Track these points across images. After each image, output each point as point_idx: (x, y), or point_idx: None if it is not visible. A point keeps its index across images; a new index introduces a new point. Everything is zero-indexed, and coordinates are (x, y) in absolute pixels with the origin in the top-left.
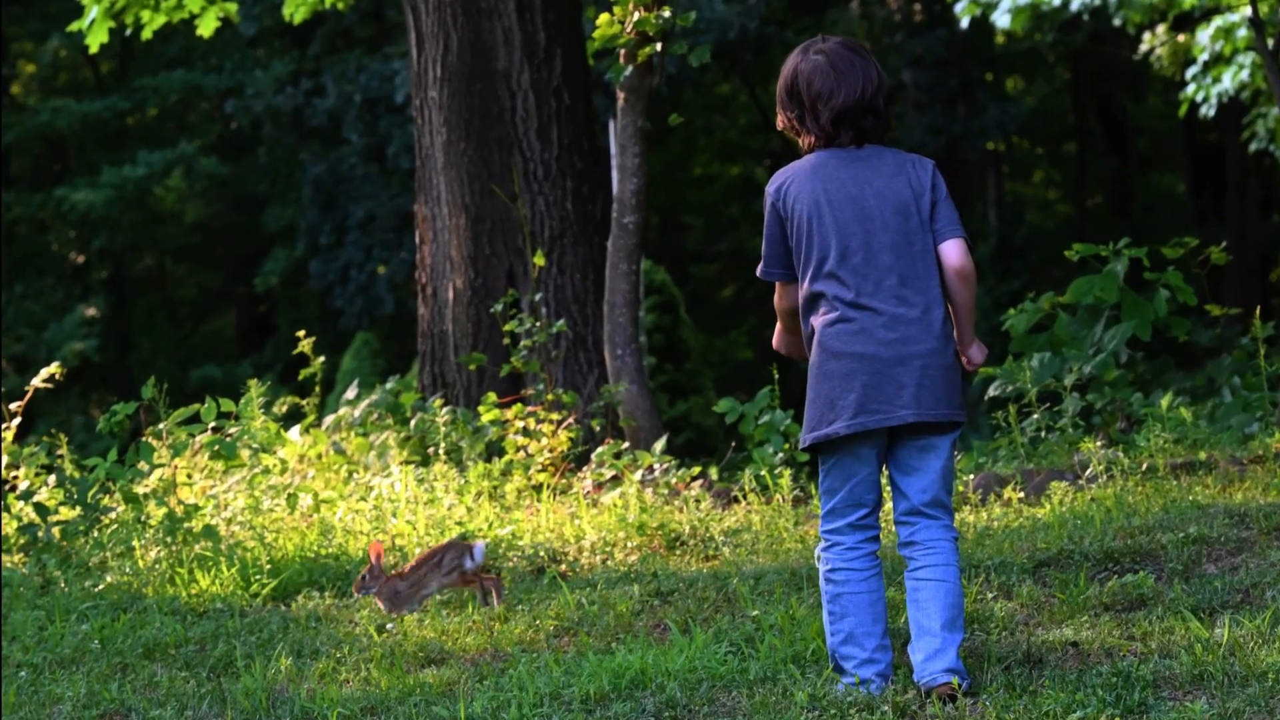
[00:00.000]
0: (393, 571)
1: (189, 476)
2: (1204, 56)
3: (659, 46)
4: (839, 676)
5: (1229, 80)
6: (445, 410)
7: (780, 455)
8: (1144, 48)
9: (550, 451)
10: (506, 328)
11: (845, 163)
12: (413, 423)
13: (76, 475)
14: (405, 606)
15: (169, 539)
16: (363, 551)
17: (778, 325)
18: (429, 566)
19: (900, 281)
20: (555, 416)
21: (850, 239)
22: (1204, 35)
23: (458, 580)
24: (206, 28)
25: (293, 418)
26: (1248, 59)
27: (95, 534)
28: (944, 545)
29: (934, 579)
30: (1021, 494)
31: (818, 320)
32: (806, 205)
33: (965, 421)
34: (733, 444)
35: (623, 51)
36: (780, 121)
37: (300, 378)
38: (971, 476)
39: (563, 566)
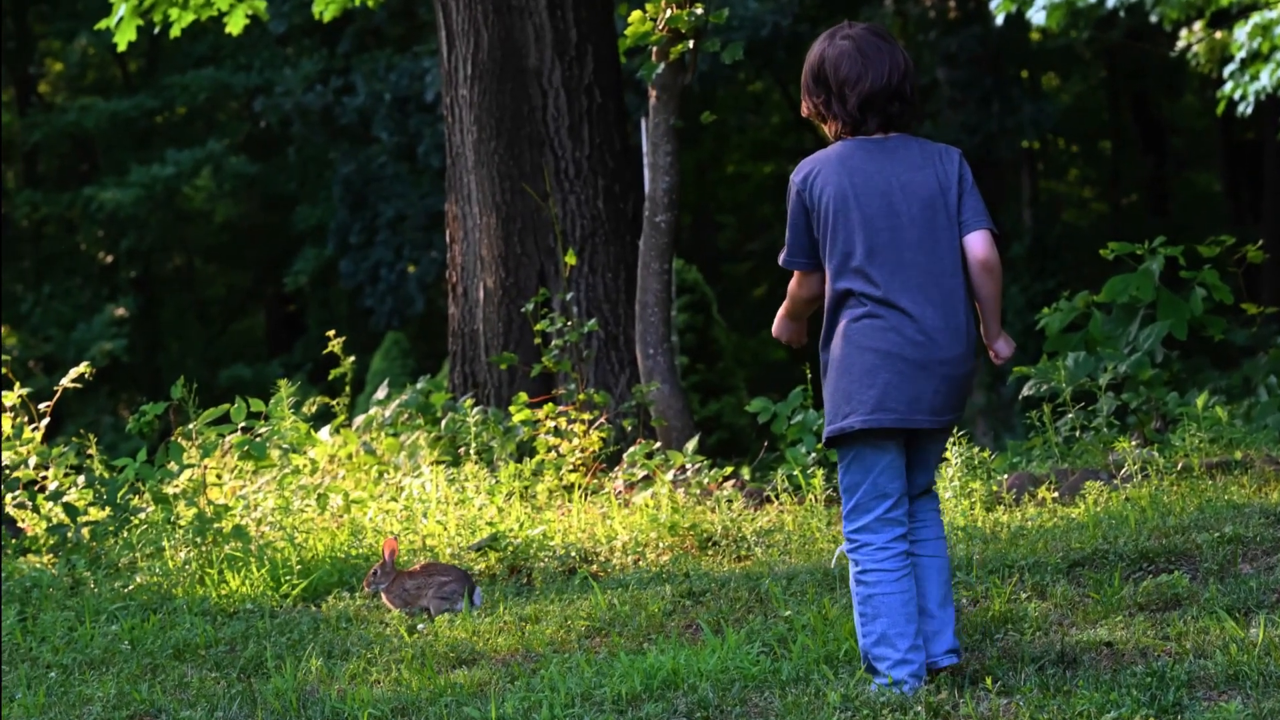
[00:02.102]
0: (404, 570)
1: (219, 477)
2: (1241, 54)
3: (691, 44)
4: (872, 677)
5: (1266, 78)
6: (476, 410)
7: (813, 455)
8: (1180, 45)
9: (582, 451)
10: (538, 327)
11: (872, 154)
12: (443, 423)
13: (106, 476)
14: (409, 607)
15: (199, 539)
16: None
17: (782, 310)
18: (435, 585)
19: (928, 280)
20: (587, 416)
21: (878, 235)
22: (1241, 32)
23: (446, 609)
24: (235, 25)
25: (323, 418)
26: None
27: (125, 534)
28: (934, 517)
29: (928, 554)
30: (1056, 494)
31: (845, 315)
32: (833, 197)
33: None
34: (765, 444)
35: (655, 49)
36: (805, 108)
37: (330, 378)
38: (1005, 476)
39: (594, 567)
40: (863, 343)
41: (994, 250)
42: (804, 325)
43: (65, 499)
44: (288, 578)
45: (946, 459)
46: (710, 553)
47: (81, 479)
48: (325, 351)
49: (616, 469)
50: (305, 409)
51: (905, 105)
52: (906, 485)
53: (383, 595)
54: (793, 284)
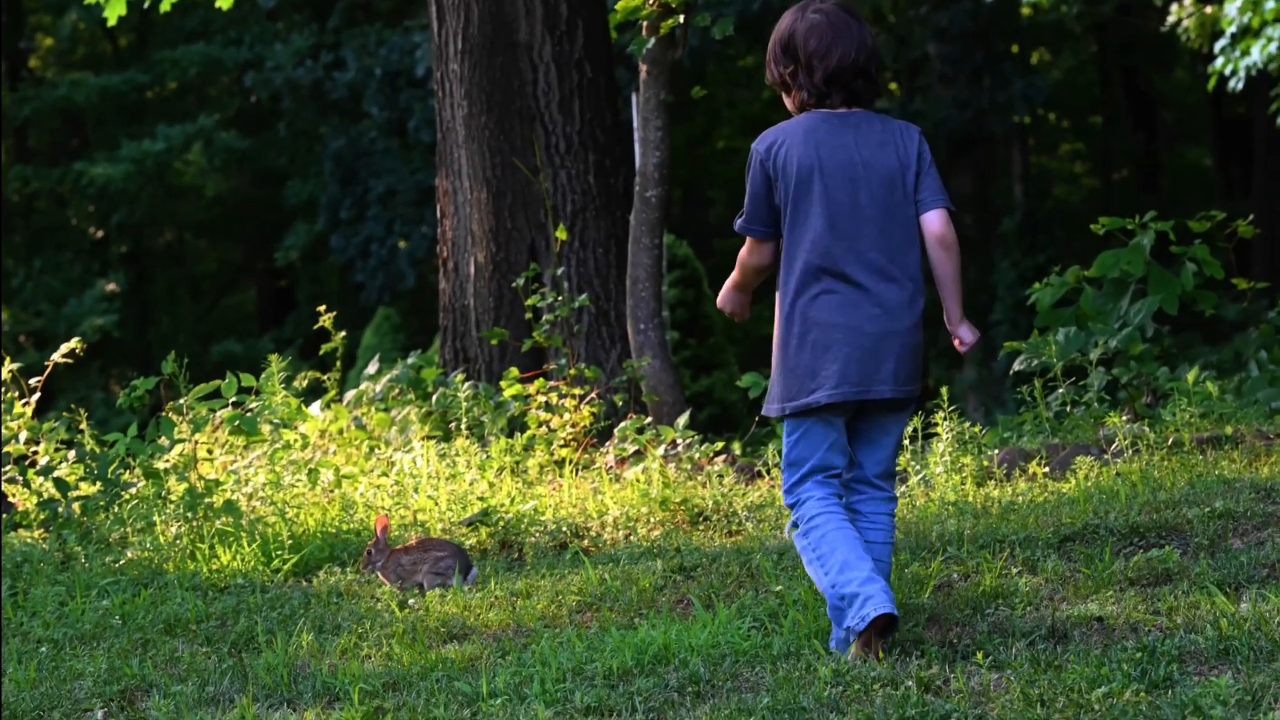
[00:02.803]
0: (398, 546)
1: (209, 452)
2: (1232, 29)
3: (682, 19)
4: (840, 623)
5: (1257, 53)
6: (467, 385)
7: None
8: (1171, 20)
9: (573, 427)
10: (528, 302)
11: (836, 128)
12: (434, 398)
13: (97, 451)
14: (404, 582)
15: (189, 514)
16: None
17: (731, 281)
18: (430, 560)
19: (885, 256)
20: (577, 391)
21: (839, 208)
22: (1232, 8)
23: (439, 584)
24: (226, 0)
25: (314, 393)
26: (1277, 31)
27: (115, 509)
28: (885, 520)
29: (876, 543)
30: (1046, 469)
31: (800, 288)
32: (798, 168)
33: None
34: (755, 419)
35: (645, 24)
36: (770, 76)
37: (321, 353)
38: (996, 451)
39: (585, 542)
40: (822, 318)
41: (951, 228)
42: (749, 298)
43: (56, 474)
44: (279, 553)
45: (937, 433)
46: (701, 528)
47: (72, 454)
48: (316, 327)
49: (607, 444)
50: (296, 384)
51: (869, 83)
52: (848, 459)
53: (378, 571)
54: (744, 252)
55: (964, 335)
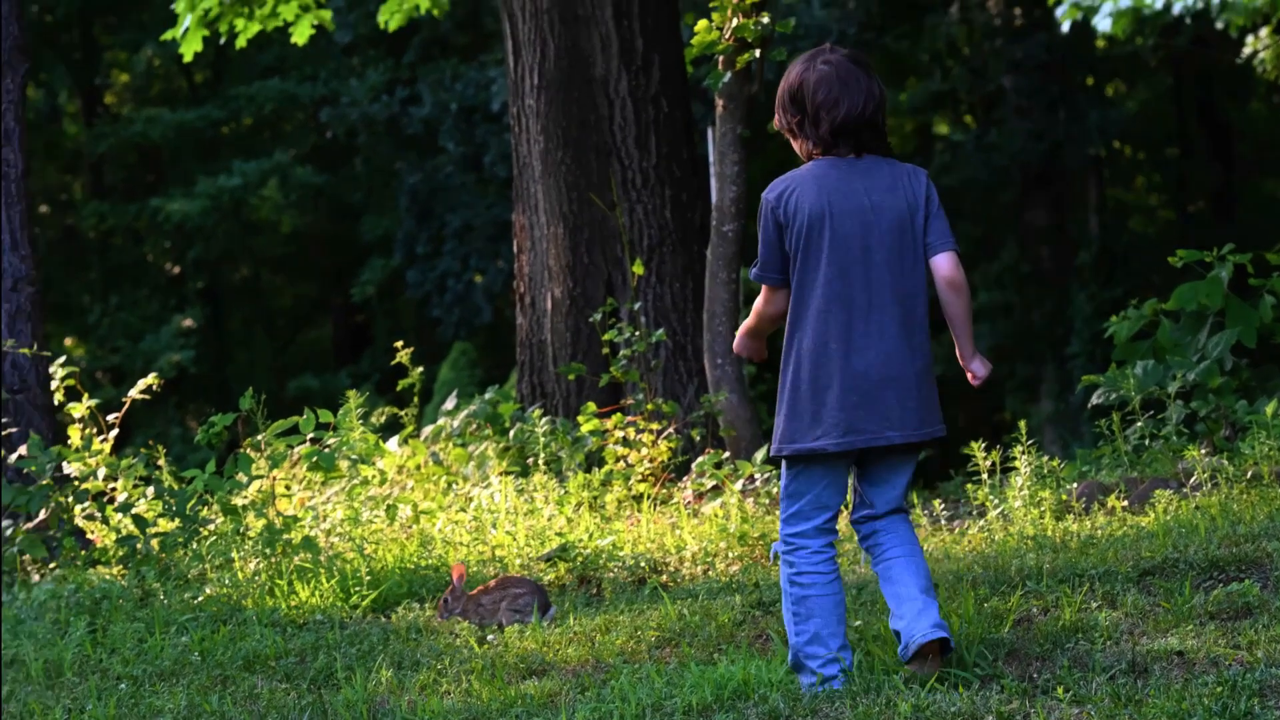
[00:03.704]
0: (478, 587)
1: (287, 488)
2: None
3: (758, 53)
4: (797, 675)
5: None
6: (544, 420)
7: None
8: (1247, 51)
9: (650, 461)
10: (605, 337)
11: (845, 174)
12: (511, 433)
13: (175, 487)
14: (487, 621)
15: (268, 550)
16: (463, 563)
17: (746, 326)
18: (509, 597)
19: (894, 300)
20: (655, 426)
21: (849, 253)
22: None
23: (518, 621)
24: (301, 36)
25: (391, 428)
26: None
27: (194, 546)
28: (906, 530)
29: (904, 555)
30: (1125, 502)
31: (807, 331)
32: (809, 215)
33: (944, 433)
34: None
35: (721, 58)
36: (778, 122)
37: (398, 388)
38: (1075, 485)
39: (664, 577)
40: (829, 362)
41: (960, 270)
42: (764, 342)
43: (134, 510)
44: (357, 589)
45: (1015, 467)
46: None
47: (150, 490)
48: (393, 362)
49: (685, 479)
50: (373, 419)
51: (876, 134)
52: (845, 498)
53: (456, 616)
54: (761, 301)
55: (976, 369)
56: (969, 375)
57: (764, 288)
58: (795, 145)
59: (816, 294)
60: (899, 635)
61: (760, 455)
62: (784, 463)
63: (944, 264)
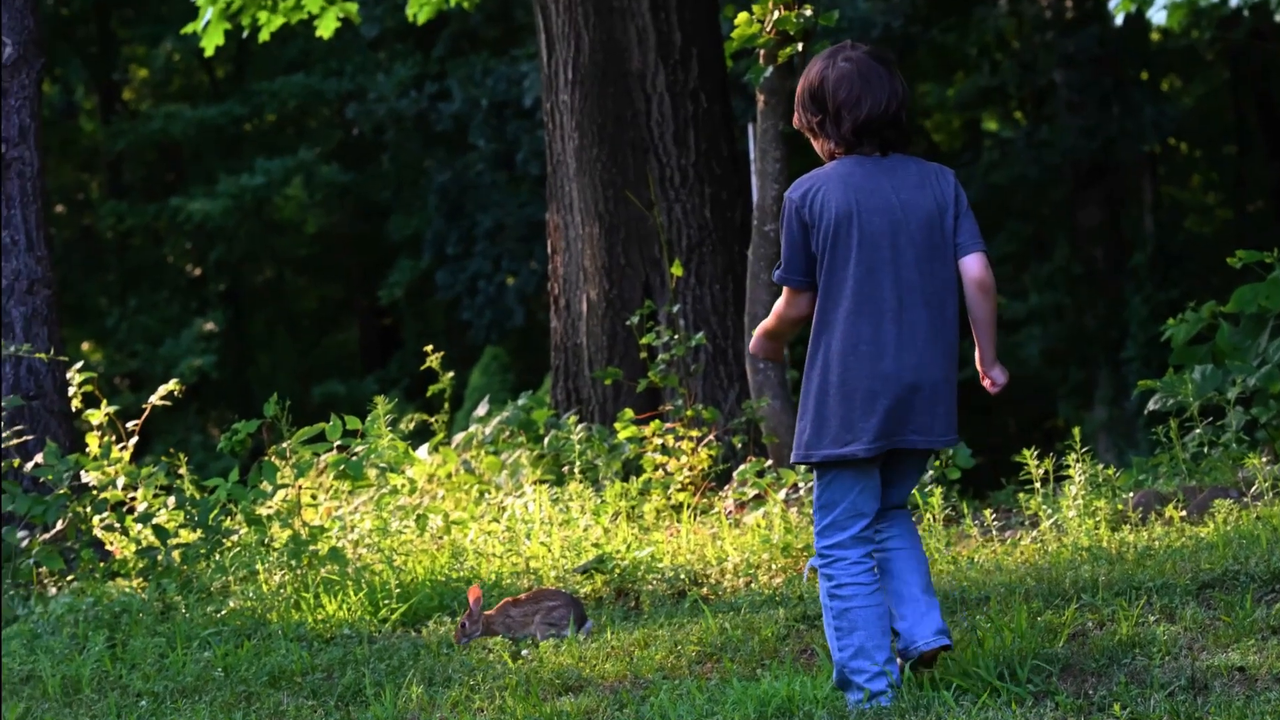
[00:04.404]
0: (505, 600)
1: (313, 497)
2: None
3: (800, 46)
4: (843, 691)
5: None
6: (580, 427)
7: (930, 472)
8: None
9: (690, 470)
10: (643, 341)
11: (872, 172)
12: (546, 440)
13: (197, 496)
14: (519, 634)
15: (293, 562)
16: (495, 574)
17: (765, 327)
18: (542, 610)
19: (923, 301)
20: (695, 433)
21: (879, 253)
22: None
23: (553, 635)
24: (326, 29)
25: (421, 435)
26: None
27: (217, 557)
28: (907, 523)
29: (905, 548)
30: (1183, 512)
31: (835, 334)
32: (836, 215)
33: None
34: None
35: (762, 52)
36: (797, 121)
37: (428, 394)
38: (1131, 494)
39: (704, 589)
40: (859, 365)
41: (990, 272)
42: (782, 345)
43: (155, 521)
44: (386, 602)
45: (1069, 476)
46: None
47: (171, 500)
48: (423, 367)
49: (726, 488)
50: (402, 426)
51: (899, 133)
52: (879, 503)
53: (482, 633)
54: (782, 303)
55: (996, 376)
56: (987, 382)
57: (785, 290)
58: (816, 145)
59: (845, 295)
60: (899, 634)
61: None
62: (816, 473)
63: (975, 265)
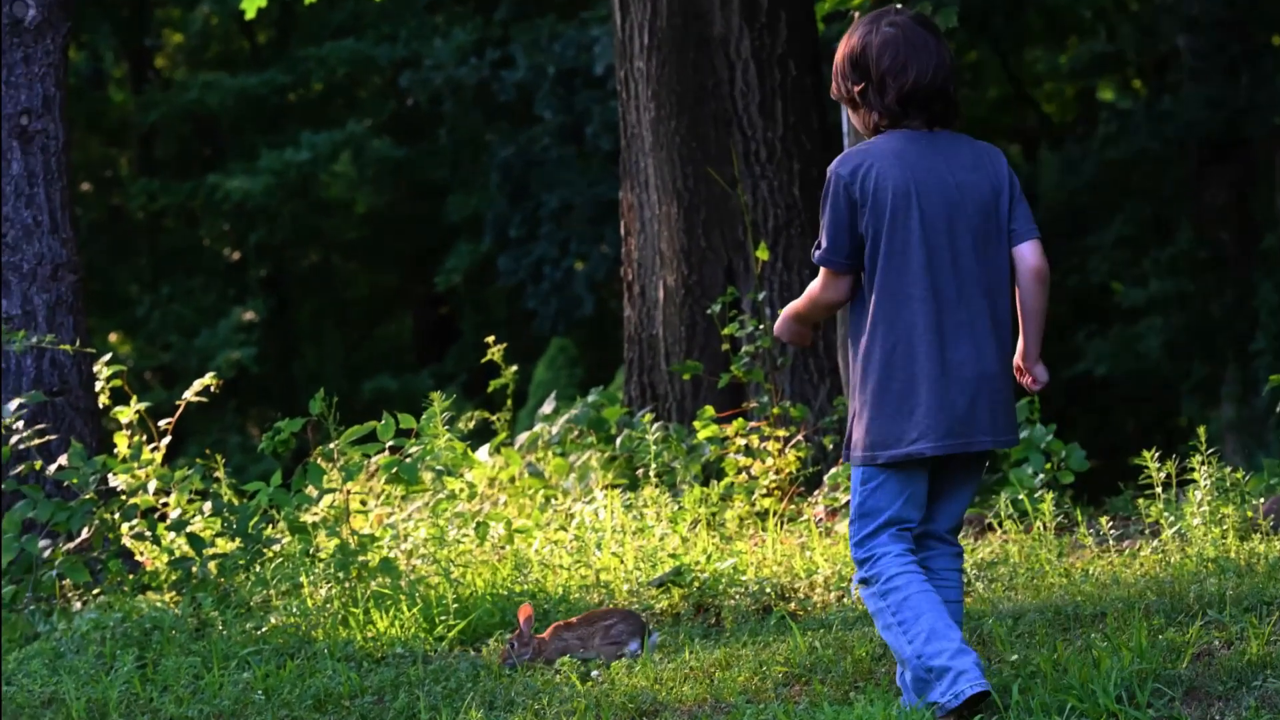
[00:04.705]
0: (559, 621)
1: (364, 503)
2: None
3: (899, 8)
4: (926, 697)
5: None
6: (656, 426)
7: (1041, 476)
8: None
9: (777, 473)
10: (725, 331)
11: (925, 150)
12: (618, 441)
13: (235, 502)
14: (576, 655)
15: (341, 574)
16: (562, 588)
17: (794, 309)
18: (600, 630)
19: (982, 292)
20: (782, 433)
21: (937, 238)
22: None
23: (620, 654)
24: None
25: (481, 435)
26: None
27: (257, 569)
28: (955, 577)
29: (951, 602)
30: None
31: (893, 325)
32: (892, 193)
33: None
34: (986, 463)
35: (857, 15)
36: (835, 90)
37: (489, 390)
38: (1261, 500)
39: (792, 605)
40: (921, 361)
41: (1046, 260)
42: (811, 330)
43: (189, 529)
44: (443, 618)
45: (1194, 480)
46: None
47: (207, 506)
48: (483, 360)
49: (816, 493)
50: (461, 425)
51: (948, 105)
52: (924, 513)
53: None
54: (817, 285)
55: (1039, 374)
56: (1028, 380)
57: (824, 271)
58: (855, 118)
59: (904, 282)
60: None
61: None
62: (858, 478)
63: (1031, 253)
